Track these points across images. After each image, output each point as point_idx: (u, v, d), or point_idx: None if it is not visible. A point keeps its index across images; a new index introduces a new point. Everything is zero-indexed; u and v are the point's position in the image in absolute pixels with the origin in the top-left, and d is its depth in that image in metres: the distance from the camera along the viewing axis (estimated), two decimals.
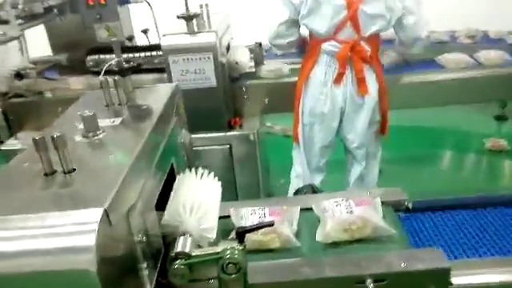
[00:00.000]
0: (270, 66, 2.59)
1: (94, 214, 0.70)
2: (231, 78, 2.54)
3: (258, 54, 2.83)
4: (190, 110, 2.29)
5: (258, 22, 2.70)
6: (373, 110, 2.25)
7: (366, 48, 2.14)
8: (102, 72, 1.27)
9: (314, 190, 1.64)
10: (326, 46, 2.15)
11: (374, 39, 2.17)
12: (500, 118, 3.97)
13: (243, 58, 2.58)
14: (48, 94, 2.63)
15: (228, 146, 2.38)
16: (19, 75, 2.57)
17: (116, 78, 1.21)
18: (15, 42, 2.91)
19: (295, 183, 2.48)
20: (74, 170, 0.86)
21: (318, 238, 1.15)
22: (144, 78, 2.54)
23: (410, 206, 1.29)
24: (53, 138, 0.82)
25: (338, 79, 2.18)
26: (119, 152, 0.93)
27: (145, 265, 0.89)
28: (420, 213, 1.46)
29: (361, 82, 2.17)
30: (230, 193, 2.45)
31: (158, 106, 1.18)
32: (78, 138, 1.01)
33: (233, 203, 1.39)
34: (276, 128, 3.71)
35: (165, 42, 2.23)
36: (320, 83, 2.21)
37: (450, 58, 2.66)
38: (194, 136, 2.32)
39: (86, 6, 3.08)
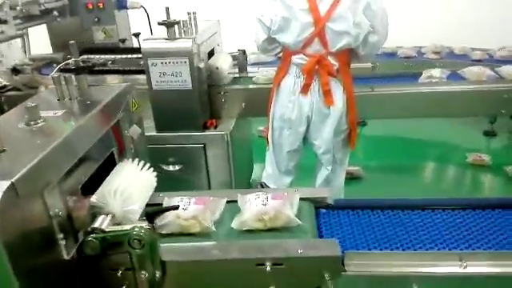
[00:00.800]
0: (265, 74, 2.75)
1: (1, 186, 0.85)
2: (212, 82, 2.69)
3: (242, 61, 2.98)
4: (168, 110, 2.50)
5: (245, 30, 2.83)
6: (338, 120, 2.33)
7: (333, 62, 2.23)
8: (55, 70, 1.43)
9: (262, 186, 1.75)
10: (295, 58, 2.26)
11: (343, 54, 2.26)
12: (489, 134, 4.02)
13: (224, 65, 2.72)
14: (42, 89, 2.83)
15: (202, 145, 2.52)
16: (16, 70, 2.77)
17: (67, 75, 1.36)
18: (19, 41, 3.13)
19: (266, 182, 2.61)
20: (4, 150, 1.01)
21: (234, 225, 1.28)
22: (130, 78, 2.73)
23: (332, 202, 1.41)
24: None
25: (304, 90, 2.29)
26: (47, 138, 1.08)
27: (61, 236, 1.03)
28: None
29: (327, 94, 2.27)
30: (204, 189, 2.59)
31: (100, 102, 1.33)
32: (21, 125, 1.16)
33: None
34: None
35: (145, 46, 2.40)
36: (289, 92, 2.32)
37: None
38: (170, 134, 2.52)
39: (86, 10, 3.31)
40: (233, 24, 3.70)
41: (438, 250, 1.23)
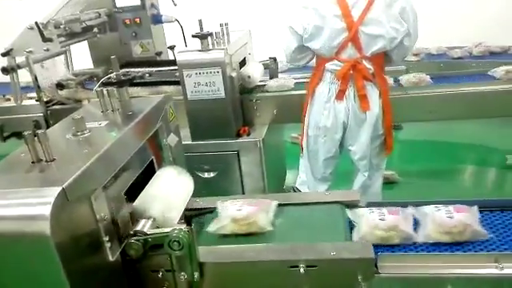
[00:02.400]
0: (277, 81, 2.78)
1: (53, 191, 0.93)
2: (244, 90, 2.76)
3: (273, 68, 3.04)
4: (202, 119, 2.58)
5: (276, 38, 2.89)
6: (375, 125, 2.34)
7: (368, 66, 2.24)
8: (98, 84, 1.52)
9: (294, 191, 1.79)
10: (329, 65, 2.29)
11: (378, 57, 2.27)
12: None
13: (255, 73, 2.78)
14: (85, 102, 2.99)
15: (236, 152, 2.58)
16: (60, 85, 2.95)
17: (109, 88, 1.45)
18: (62, 57, 3.32)
19: (300, 189, 2.64)
20: (55, 159, 1.10)
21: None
22: (166, 89, 2.84)
23: (364, 205, 1.43)
24: (35, 134, 1.06)
25: (339, 95, 2.31)
26: (92, 147, 1.16)
27: (107, 239, 1.10)
28: None
29: (362, 99, 2.28)
30: (238, 194, 2.65)
31: (140, 113, 1.41)
32: (68, 136, 1.26)
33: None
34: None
35: (180, 58, 2.49)
36: (324, 99, 2.35)
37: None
38: (205, 142, 2.60)
39: (124, 25, 3.47)
40: (264, 33, 3.78)
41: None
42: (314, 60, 2.47)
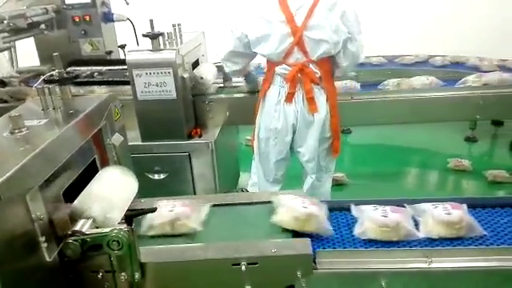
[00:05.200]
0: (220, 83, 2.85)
1: None
2: (197, 91, 2.76)
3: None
4: (153, 120, 2.56)
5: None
6: (322, 128, 2.40)
7: (315, 70, 2.31)
8: (39, 81, 1.48)
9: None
10: (278, 69, 2.34)
11: (324, 62, 2.33)
12: (470, 140, 4.12)
13: (208, 75, 2.79)
14: (29, 100, 2.87)
15: (187, 153, 2.57)
16: (2, 82, 2.82)
17: (50, 86, 1.41)
18: (6, 53, 3.18)
19: (251, 190, 2.67)
20: None
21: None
22: (117, 89, 2.78)
23: None
24: None
25: (289, 98, 2.36)
26: (29, 145, 1.13)
27: (43, 239, 1.07)
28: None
29: (310, 102, 2.34)
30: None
31: (82, 111, 1.38)
32: (6, 134, 1.21)
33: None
34: None
35: (129, 58, 2.46)
36: (274, 101, 2.39)
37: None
38: (155, 143, 2.57)
39: (73, 23, 3.37)
40: (218, 35, 3.79)
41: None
42: (266, 64, 2.51)
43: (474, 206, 1.46)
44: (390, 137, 4.13)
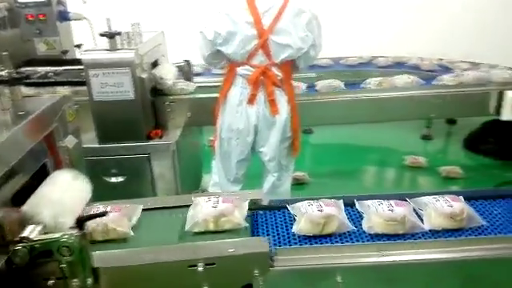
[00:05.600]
0: (181, 84, 2.81)
1: None
2: (158, 92, 2.73)
3: (187, 71, 3.04)
4: (110, 121, 2.50)
5: (191, 40, 2.88)
6: (283, 128, 2.43)
7: (277, 73, 2.33)
8: None
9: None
10: (240, 69, 2.34)
11: (286, 65, 2.36)
12: (426, 138, 4.29)
13: (168, 75, 2.76)
14: None
15: (147, 155, 2.53)
16: None
17: None
18: None
19: (212, 191, 2.66)
20: None
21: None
22: (76, 89, 2.70)
23: (266, 203, 1.49)
24: None
25: (251, 100, 2.37)
26: None
27: None
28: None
29: (272, 104, 2.37)
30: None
31: (33, 113, 1.33)
32: None
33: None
34: None
35: (85, 57, 2.39)
36: (236, 102, 2.39)
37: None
38: (112, 145, 2.51)
39: (26, 21, 3.23)
40: (178, 35, 3.75)
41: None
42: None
43: (468, 198, 1.52)
44: (349, 136, 4.24)
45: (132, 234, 1.33)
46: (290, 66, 2.39)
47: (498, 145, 3.83)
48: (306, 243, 1.32)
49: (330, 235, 1.35)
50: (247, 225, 1.37)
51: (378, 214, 1.37)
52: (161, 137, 2.59)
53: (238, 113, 2.40)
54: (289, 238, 1.36)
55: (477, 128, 4.03)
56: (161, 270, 1.19)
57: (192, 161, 3.22)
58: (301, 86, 3.06)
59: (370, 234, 1.35)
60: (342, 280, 1.21)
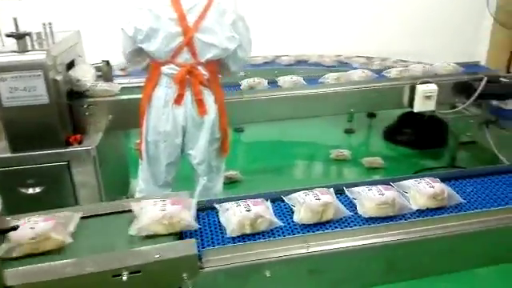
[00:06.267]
0: (101, 86, 2.68)
1: None
2: (75, 95, 2.57)
3: (106, 71, 2.90)
4: (23, 128, 2.31)
5: (109, 40, 2.75)
6: (212, 129, 2.38)
7: (204, 72, 2.29)
8: None
9: None
10: (165, 68, 2.25)
11: (212, 65, 2.31)
12: (348, 131, 4.50)
13: (85, 76, 2.61)
14: None
15: (65, 162, 2.38)
16: None
17: None
18: None
19: (138, 197, 2.55)
20: None
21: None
22: None
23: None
24: None
25: (178, 100, 2.29)
26: None
27: None
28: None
29: (199, 104, 2.30)
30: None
31: None
32: None
33: None
34: None
35: None
36: (161, 103, 2.30)
37: None
38: (27, 154, 2.33)
39: None
40: (97, 34, 3.58)
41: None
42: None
43: (443, 179, 1.63)
44: (278, 133, 4.34)
45: (71, 241, 1.24)
46: (216, 65, 2.36)
47: (413, 135, 4.13)
48: (237, 242, 1.31)
49: (328, 222, 1.41)
50: (198, 226, 1.35)
51: (369, 198, 1.45)
52: (80, 142, 2.44)
53: (165, 114, 2.32)
54: (223, 238, 1.35)
55: (394, 120, 4.31)
56: (82, 282, 1.12)
57: (117, 166, 3.08)
58: (263, 82, 3.09)
59: (364, 218, 1.43)
60: (270, 274, 1.22)
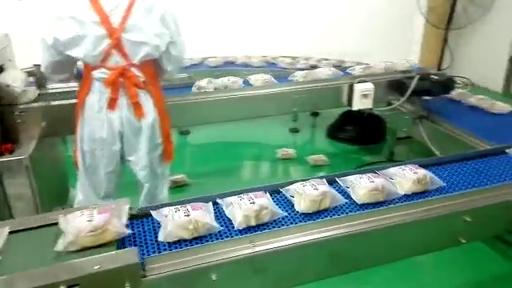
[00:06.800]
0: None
1: None
2: (4, 101, 2.40)
3: (39, 76, 2.74)
4: None
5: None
6: (152, 134, 2.30)
7: (138, 74, 2.20)
8: None
9: None
10: (96, 73, 2.16)
11: (147, 65, 2.23)
12: (293, 131, 4.59)
13: (16, 82, 2.45)
14: None
15: None
16: None
17: None
18: None
19: None
20: None
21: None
22: None
23: (134, 212, 1.41)
24: None
25: (111, 105, 2.19)
26: None
27: None
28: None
29: (136, 107, 2.22)
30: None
31: None
32: None
33: None
34: None
35: None
36: (95, 109, 2.20)
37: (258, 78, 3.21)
38: None
39: None
40: (27, 38, 3.37)
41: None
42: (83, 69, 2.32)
43: (421, 165, 1.76)
44: (225, 134, 4.33)
45: None
46: (152, 67, 2.29)
47: (354, 132, 4.28)
48: (175, 248, 1.29)
49: (325, 210, 1.50)
50: (130, 232, 1.30)
51: (362, 186, 1.56)
52: (11, 152, 2.28)
53: (99, 120, 2.21)
54: (158, 245, 1.32)
55: (336, 119, 4.45)
56: None
57: (55, 175, 2.93)
58: (238, 81, 3.12)
59: (358, 204, 1.54)
60: (216, 278, 1.21)
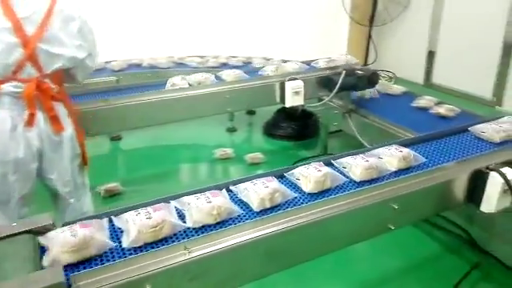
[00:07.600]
0: None
1: None
2: None
3: None
4: None
5: None
6: (72, 145, 2.19)
7: (52, 86, 2.06)
8: None
9: None
10: (6, 86, 1.96)
11: (58, 76, 2.11)
12: (230, 130, 4.59)
13: None
14: None
15: None
16: None
17: None
18: None
19: None
20: None
21: None
22: None
23: (58, 226, 1.33)
24: None
25: (30, 121, 2.01)
26: None
27: None
28: None
29: (54, 121, 2.08)
30: None
31: None
32: None
33: None
34: None
35: None
36: (8, 127, 1.99)
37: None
38: None
39: None
40: None
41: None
42: None
43: (404, 144, 1.98)
44: (159, 137, 4.23)
45: None
46: (62, 76, 2.14)
47: (289, 129, 4.38)
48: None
49: (328, 189, 1.65)
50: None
51: (358, 165, 1.72)
52: None
53: (14, 139, 2.00)
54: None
55: (272, 116, 4.52)
56: None
57: None
58: (210, 78, 3.15)
59: (355, 182, 1.71)
60: None
